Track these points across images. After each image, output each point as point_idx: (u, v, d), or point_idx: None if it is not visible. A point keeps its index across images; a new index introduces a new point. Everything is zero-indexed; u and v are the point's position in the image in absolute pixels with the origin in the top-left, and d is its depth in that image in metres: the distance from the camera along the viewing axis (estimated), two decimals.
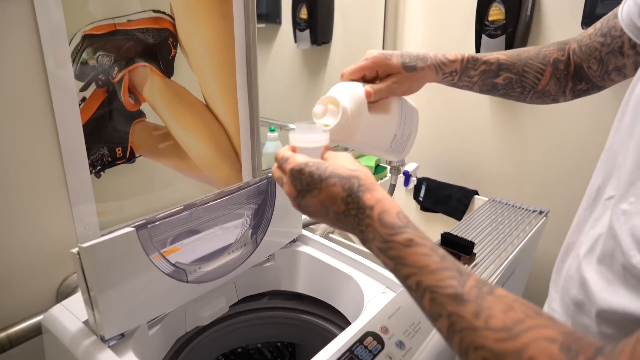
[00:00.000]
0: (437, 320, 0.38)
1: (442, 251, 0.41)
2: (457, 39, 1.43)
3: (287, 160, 0.51)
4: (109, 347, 0.63)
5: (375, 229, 0.43)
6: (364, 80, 0.64)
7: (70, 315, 0.68)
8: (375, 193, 0.45)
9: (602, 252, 0.43)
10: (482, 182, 1.48)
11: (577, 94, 0.71)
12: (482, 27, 1.29)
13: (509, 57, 0.69)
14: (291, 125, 1.34)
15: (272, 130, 1.24)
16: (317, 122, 0.60)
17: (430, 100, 1.55)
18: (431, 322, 0.39)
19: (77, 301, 0.70)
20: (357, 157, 1.56)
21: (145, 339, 0.69)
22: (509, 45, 1.26)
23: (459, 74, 0.67)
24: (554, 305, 0.54)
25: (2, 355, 0.72)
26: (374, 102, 0.62)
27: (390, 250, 0.42)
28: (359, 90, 0.60)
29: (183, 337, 0.80)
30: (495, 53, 0.69)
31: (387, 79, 0.63)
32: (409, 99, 0.69)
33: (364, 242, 0.45)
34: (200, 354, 0.85)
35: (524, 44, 1.28)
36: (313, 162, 0.49)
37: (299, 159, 0.50)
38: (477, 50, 1.33)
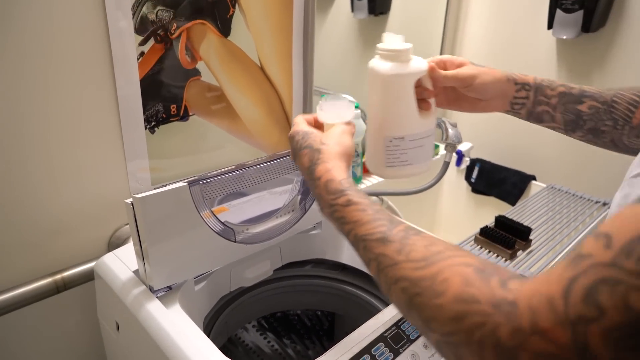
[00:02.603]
0: (370, 266, 0.40)
1: (377, 206, 0.43)
2: (527, 12, 1.34)
3: (293, 125, 0.56)
4: (157, 297, 0.64)
5: (323, 196, 0.47)
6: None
7: (121, 264, 0.70)
8: (327, 164, 0.48)
9: None
10: (541, 167, 1.40)
11: None
12: None
13: (593, 87, 0.62)
14: (344, 96, 1.31)
15: None
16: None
17: None
18: (368, 271, 0.41)
19: (128, 251, 0.72)
20: None
21: (191, 293, 0.70)
22: (587, 23, 1.16)
23: (533, 90, 0.61)
24: None
25: (57, 296, 0.76)
26: (425, 99, 0.60)
27: (335, 213, 0.45)
28: (423, 62, 0.59)
29: (226, 296, 0.81)
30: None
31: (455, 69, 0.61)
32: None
33: (320, 210, 0.49)
34: (242, 314, 0.86)
35: (602, 22, 1.18)
36: (304, 131, 0.53)
37: (297, 127, 0.55)
38: (550, 26, 1.24)
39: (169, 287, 0.66)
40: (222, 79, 0.92)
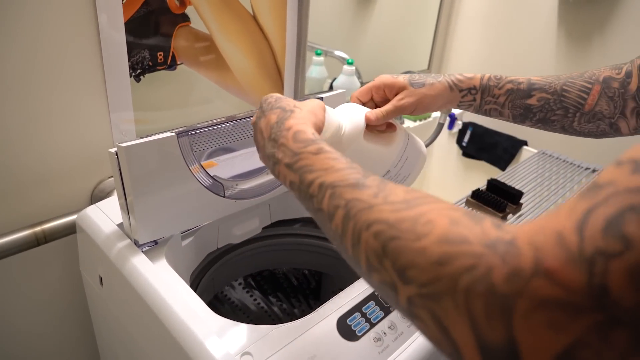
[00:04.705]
0: (333, 218, 0.34)
1: (349, 159, 0.39)
2: None
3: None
4: (143, 252, 0.62)
5: (288, 145, 0.42)
6: (375, 104, 0.62)
7: (104, 217, 0.67)
8: (298, 120, 0.44)
9: None
10: (533, 132, 1.39)
11: None
12: None
13: (543, 78, 0.60)
14: (337, 52, 1.26)
15: (318, 54, 1.17)
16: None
17: (485, 39, 1.43)
18: (324, 227, 0.37)
19: (111, 204, 0.69)
20: None
21: (178, 248, 0.68)
22: None
23: (480, 92, 0.61)
24: None
25: (38, 248, 0.73)
26: (380, 128, 0.59)
27: (298, 162, 0.40)
28: (360, 114, 0.57)
29: (214, 253, 0.79)
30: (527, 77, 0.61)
31: (394, 98, 0.59)
32: (422, 145, 0.63)
33: (273, 167, 0.43)
34: (229, 271, 0.85)
35: None
36: (279, 96, 0.50)
37: (273, 94, 0.51)
38: None
39: (155, 242, 0.64)
40: (213, 26, 0.87)
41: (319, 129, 0.47)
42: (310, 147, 0.40)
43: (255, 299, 1.03)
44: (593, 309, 0.21)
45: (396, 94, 0.60)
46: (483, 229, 0.26)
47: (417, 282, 0.27)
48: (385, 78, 0.61)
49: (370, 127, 0.58)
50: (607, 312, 0.21)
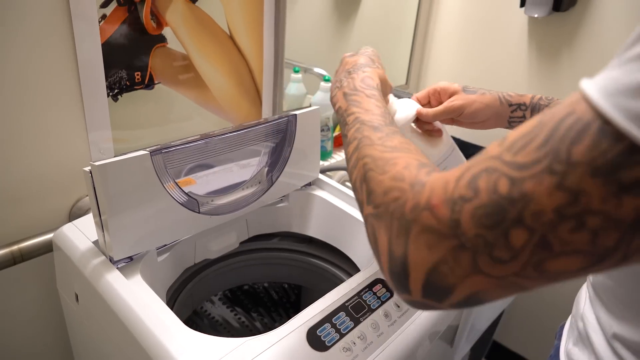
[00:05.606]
0: (351, 143, 0.45)
1: (388, 113, 0.48)
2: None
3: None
4: (117, 268, 0.63)
5: (355, 80, 0.53)
6: (432, 107, 0.68)
7: (80, 234, 0.68)
8: (373, 72, 0.55)
9: None
10: None
11: None
12: None
13: None
14: (316, 69, 1.29)
15: (296, 72, 1.20)
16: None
17: (460, 56, 1.47)
18: (344, 148, 0.47)
19: (88, 221, 0.70)
20: None
21: (154, 264, 0.69)
22: (558, 2, 1.17)
23: (530, 109, 0.65)
24: None
25: (14, 267, 0.73)
26: (428, 127, 0.67)
27: (353, 95, 0.51)
28: (413, 107, 0.66)
29: (192, 268, 0.80)
30: None
31: (447, 100, 0.66)
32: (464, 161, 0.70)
33: (334, 90, 0.55)
34: (208, 286, 0.86)
35: (573, 2, 1.19)
36: (375, 53, 0.61)
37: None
38: (522, 4, 1.24)
39: (130, 258, 0.65)
40: (190, 46, 0.89)
41: (386, 94, 0.57)
42: (367, 90, 0.51)
43: (236, 315, 1.04)
44: (451, 236, 0.29)
45: (449, 98, 0.67)
46: (418, 173, 0.34)
47: (373, 204, 0.36)
48: (442, 83, 0.68)
49: (420, 124, 0.68)
50: (458, 239, 0.29)
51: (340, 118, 0.50)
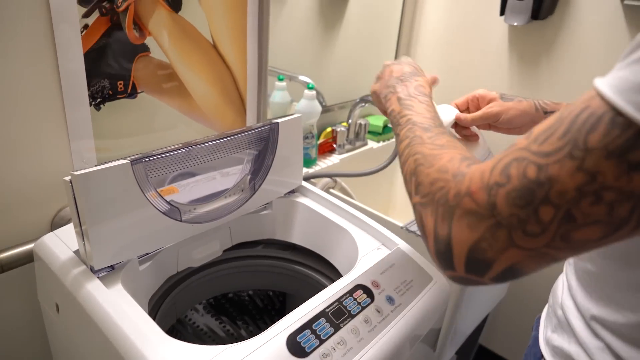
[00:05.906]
0: (403, 141, 0.51)
1: (437, 115, 0.54)
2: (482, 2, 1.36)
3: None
4: (98, 277, 0.62)
5: (408, 87, 0.60)
6: (468, 112, 0.72)
7: (61, 244, 0.68)
8: (423, 81, 0.62)
9: None
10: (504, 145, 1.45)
11: None
12: None
13: None
14: (301, 77, 1.30)
15: (280, 80, 1.21)
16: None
17: (442, 64, 1.49)
18: (397, 146, 0.53)
19: (69, 231, 0.70)
20: (365, 115, 1.52)
21: (135, 273, 0.69)
22: (536, 11, 1.20)
23: None
24: None
25: None
26: (466, 132, 0.72)
27: (408, 100, 0.57)
28: (452, 112, 0.70)
29: (174, 277, 0.80)
30: None
31: (484, 107, 0.70)
32: None
33: (387, 94, 0.61)
34: (191, 295, 0.86)
35: (551, 10, 1.22)
36: (415, 66, 0.68)
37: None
38: (502, 12, 1.26)
39: (112, 267, 0.65)
40: (173, 56, 0.90)
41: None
42: (421, 97, 0.57)
43: (221, 323, 1.04)
44: (489, 217, 0.35)
45: (487, 104, 0.70)
46: (459, 166, 0.40)
47: (421, 194, 0.42)
48: (480, 90, 0.72)
49: (459, 129, 0.72)
50: (495, 219, 0.34)
51: (394, 120, 0.57)
